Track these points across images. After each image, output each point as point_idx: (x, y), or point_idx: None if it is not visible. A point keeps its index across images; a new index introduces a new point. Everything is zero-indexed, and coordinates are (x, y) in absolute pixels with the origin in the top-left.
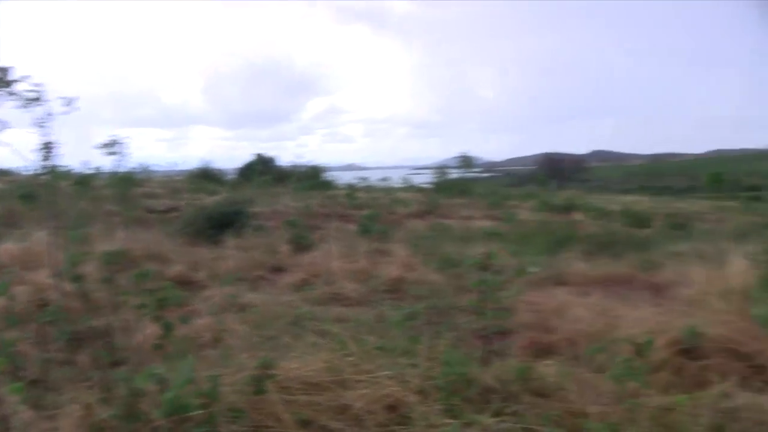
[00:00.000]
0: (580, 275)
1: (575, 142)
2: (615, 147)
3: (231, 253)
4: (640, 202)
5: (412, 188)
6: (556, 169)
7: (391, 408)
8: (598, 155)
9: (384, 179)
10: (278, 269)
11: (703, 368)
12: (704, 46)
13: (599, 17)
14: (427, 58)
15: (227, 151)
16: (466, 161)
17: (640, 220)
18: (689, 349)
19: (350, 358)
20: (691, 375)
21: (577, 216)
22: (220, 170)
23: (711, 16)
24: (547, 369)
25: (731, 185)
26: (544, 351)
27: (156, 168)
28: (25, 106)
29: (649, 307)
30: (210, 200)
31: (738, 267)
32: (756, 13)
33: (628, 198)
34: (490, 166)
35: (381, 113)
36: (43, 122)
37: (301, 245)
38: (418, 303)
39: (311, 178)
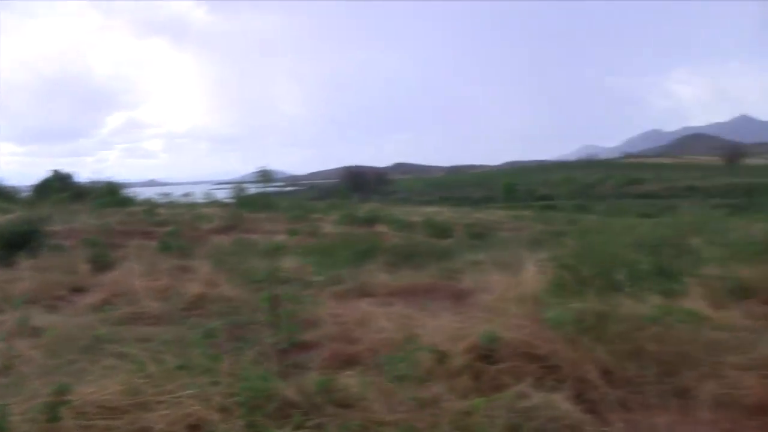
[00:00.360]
0: (384, 286)
1: (377, 155)
2: (416, 159)
3: (26, 274)
4: (441, 213)
5: (214, 203)
6: (359, 182)
7: (193, 427)
8: (400, 168)
9: (186, 195)
10: (78, 290)
11: (500, 371)
12: (498, 65)
13: (399, 34)
14: (227, 72)
15: (21, 167)
16: (264, 175)
17: (441, 231)
18: (487, 353)
19: (150, 379)
20: (489, 379)
21: (380, 228)
22: (13, 187)
23: (508, 36)
24: (349, 380)
25: (526, 195)
26: (347, 362)
27: None
28: None
29: (449, 315)
30: (2, 219)
31: (532, 273)
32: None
33: (430, 209)
34: (293, 180)
35: (182, 128)
36: None
37: (101, 264)
38: (219, 319)
39: (111, 194)
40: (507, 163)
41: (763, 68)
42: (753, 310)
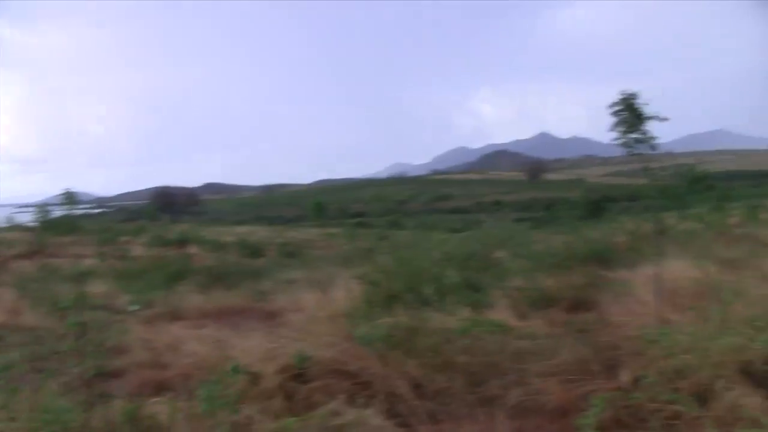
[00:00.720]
0: (196, 309)
1: (188, 175)
2: (227, 179)
3: None
4: (254, 233)
5: (17, 228)
6: (170, 203)
7: None
8: (211, 188)
9: None
10: None
11: (313, 390)
12: (308, 82)
13: (209, 50)
14: (31, 90)
15: None
16: (69, 198)
17: (254, 251)
18: (300, 373)
19: None
20: (302, 398)
21: (192, 249)
22: None
23: (318, 54)
24: (158, 407)
25: (338, 213)
26: (158, 388)
27: None
28: None
29: (262, 335)
30: None
31: (343, 291)
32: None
33: (243, 229)
34: (101, 202)
35: None
36: None
37: None
38: (21, 350)
39: None
40: (319, 182)
41: (561, 88)
42: (555, 318)
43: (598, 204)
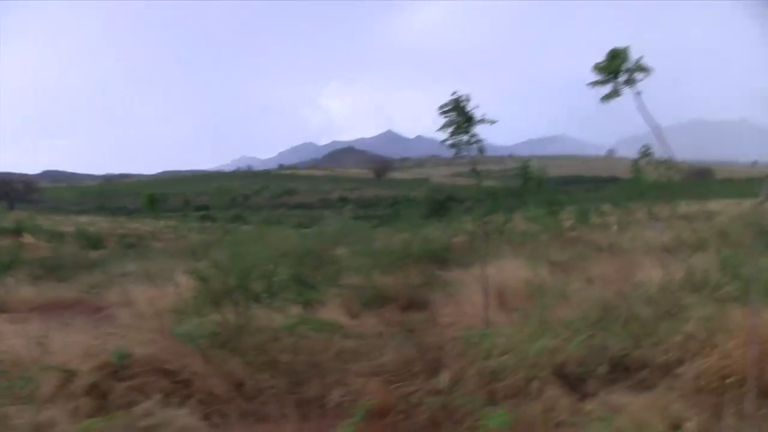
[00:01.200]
0: (24, 301)
1: (26, 162)
2: (68, 167)
3: None
4: (95, 223)
5: None
6: (6, 191)
7: None
8: (50, 175)
9: None
10: None
11: (130, 389)
12: (154, 71)
13: (50, 36)
14: None
15: None
16: None
17: (93, 242)
18: (119, 370)
19: None
20: (118, 397)
21: (27, 238)
22: None
23: (163, 41)
24: None
25: (181, 205)
26: None
27: None
28: None
29: (86, 330)
30: None
31: (175, 286)
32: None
33: (83, 219)
34: None
35: None
36: None
37: None
38: None
39: None
40: (163, 173)
41: (407, 88)
42: (388, 317)
43: (442, 203)
